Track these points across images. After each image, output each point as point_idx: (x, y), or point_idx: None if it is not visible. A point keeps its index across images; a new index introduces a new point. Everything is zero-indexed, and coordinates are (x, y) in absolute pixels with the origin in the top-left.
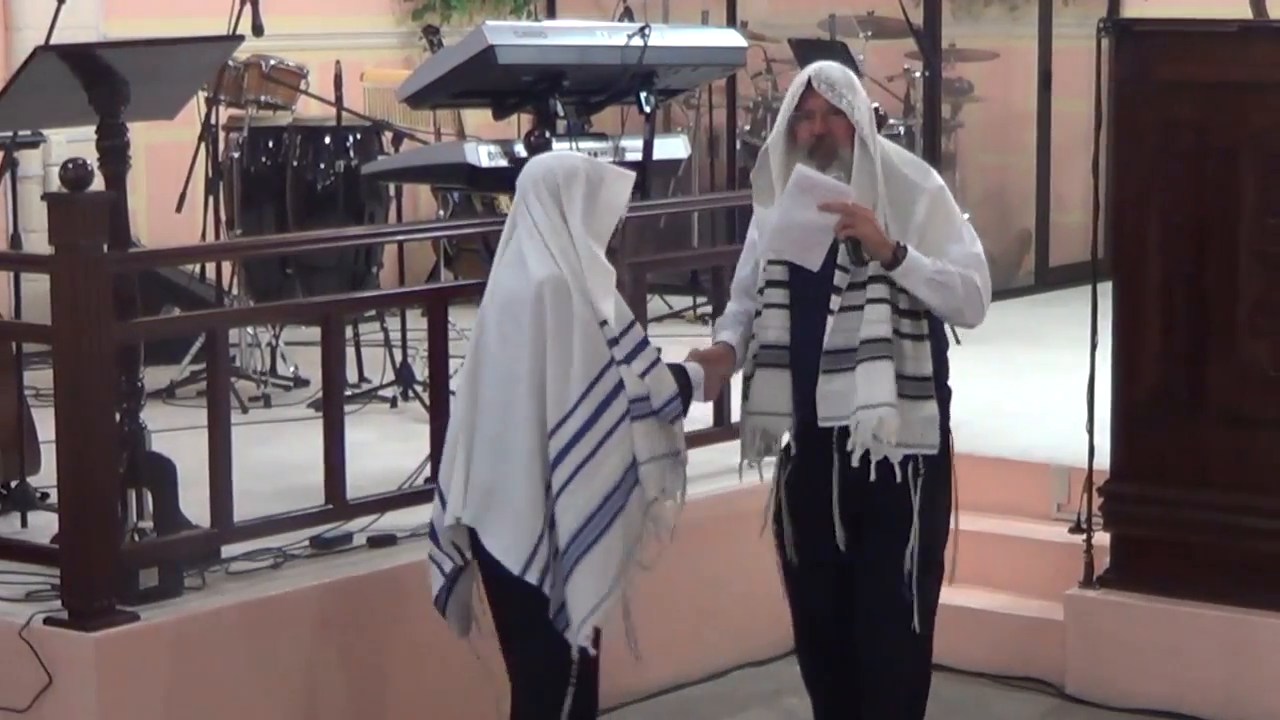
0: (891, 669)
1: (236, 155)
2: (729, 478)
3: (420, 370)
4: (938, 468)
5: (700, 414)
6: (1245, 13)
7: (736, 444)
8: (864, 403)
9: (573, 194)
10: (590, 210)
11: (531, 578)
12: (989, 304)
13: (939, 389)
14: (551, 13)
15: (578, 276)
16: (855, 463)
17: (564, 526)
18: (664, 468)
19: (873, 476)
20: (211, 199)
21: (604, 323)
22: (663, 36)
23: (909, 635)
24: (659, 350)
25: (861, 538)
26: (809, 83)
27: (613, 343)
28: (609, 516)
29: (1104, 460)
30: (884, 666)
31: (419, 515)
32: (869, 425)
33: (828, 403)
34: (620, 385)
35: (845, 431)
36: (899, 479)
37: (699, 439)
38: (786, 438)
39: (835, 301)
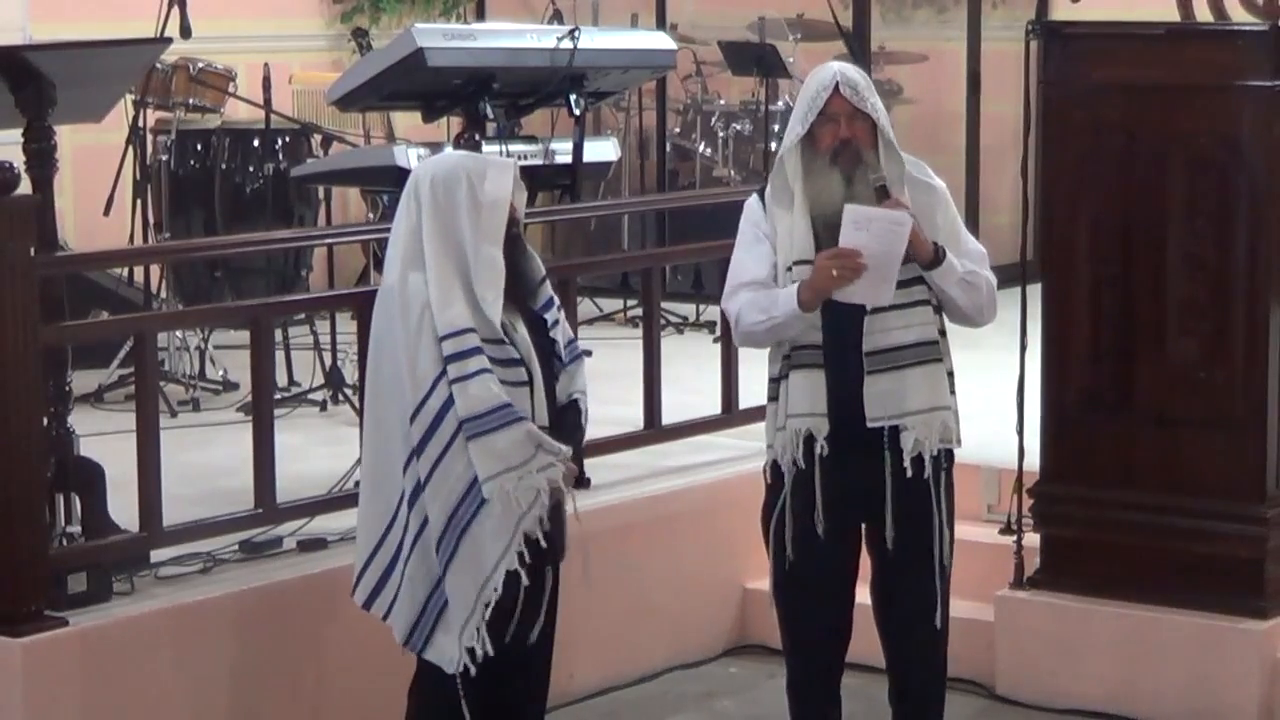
0: (933, 665)
1: (164, 158)
2: (659, 480)
3: (350, 373)
4: (950, 463)
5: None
6: (1173, 16)
7: (665, 447)
8: (930, 405)
9: (454, 199)
10: (475, 210)
11: (356, 598)
12: None
13: None
14: (481, 15)
15: (402, 284)
16: (907, 462)
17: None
18: (512, 481)
19: (909, 472)
20: (139, 202)
21: (448, 335)
22: (592, 39)
23: (943, 630)
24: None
25: (887, 538)
26: (835, 86)
27: (451, 358)
28: (454, 540)
29: (1034, 461)
30: (925, 665)
31: (349, 519)
32: (935, 428)
33: (875, 403)
34: (450, 401)
35: (894, 431)
36: (927, 474)
37: (627, 442)
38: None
39: None
